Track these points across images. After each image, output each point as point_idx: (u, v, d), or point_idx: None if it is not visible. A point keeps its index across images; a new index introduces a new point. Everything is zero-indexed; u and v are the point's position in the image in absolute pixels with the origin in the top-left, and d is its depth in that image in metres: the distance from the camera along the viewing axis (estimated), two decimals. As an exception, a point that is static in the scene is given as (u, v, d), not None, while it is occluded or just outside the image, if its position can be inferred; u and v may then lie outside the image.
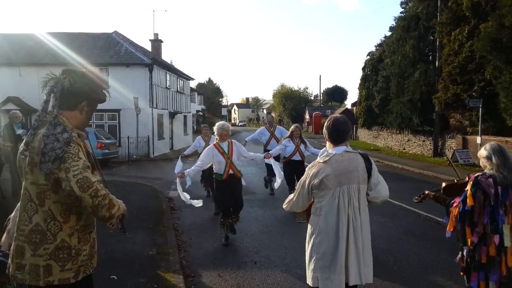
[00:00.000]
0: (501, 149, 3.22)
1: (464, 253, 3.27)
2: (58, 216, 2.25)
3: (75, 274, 2.30)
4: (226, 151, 6.22)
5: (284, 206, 3.34)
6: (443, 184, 3.64)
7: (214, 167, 6.35)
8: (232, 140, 6.49)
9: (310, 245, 3.07)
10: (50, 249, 2.24)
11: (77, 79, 2.36)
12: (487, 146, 3.29)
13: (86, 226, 2.38)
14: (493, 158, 3.17)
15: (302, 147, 8.79)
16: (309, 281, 3.07)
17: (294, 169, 8.72)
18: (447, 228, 3.30)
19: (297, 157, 8.80)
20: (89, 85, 2.41)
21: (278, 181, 7.06)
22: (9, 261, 2.34)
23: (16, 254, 2.27)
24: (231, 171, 6.23)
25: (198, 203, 6.15)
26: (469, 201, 3.12)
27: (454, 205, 3.23)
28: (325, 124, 3.17)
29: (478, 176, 3.18)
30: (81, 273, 2.33)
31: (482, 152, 3.29)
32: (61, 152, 2.17)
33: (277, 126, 10.93)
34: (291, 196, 3.26)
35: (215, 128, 6.45)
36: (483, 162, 3.29)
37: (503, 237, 3.09)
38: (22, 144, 2.33)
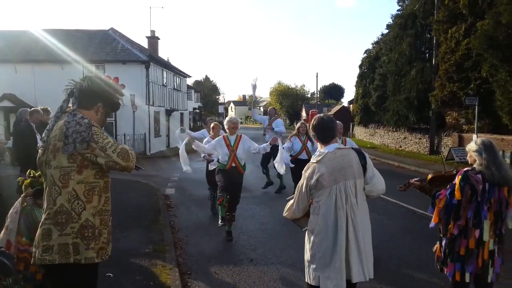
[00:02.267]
0: (491, 145, 3.26)
1: (443, 243, 3.36)
2: (82, 196, 2.42)
3: (97, 255, 2.45)
4: (232, 144, 6.43)
5: (284, 215, 3.33)
6: (430, 175, 3.68)
7: (219, 157, 6.54)
8: (242, 134, 6.69)
9: (310, 244, 3.06)
10: (76, 227, 2.39)
11: (95, 82, 2.59)
12: (478, 140, 3.34)
13: (105, 210, 2.53)
14: (483, 154, 3.21)
15: (309, 145, 8.44)
16: (309, 280, 3.05)
17: (300, 169, 8.57)
18: (432, 219, 3.37)
19: (303, 156, 8.38)
20: (105, 88, 2.62)
21: (282, 166, 6.72)
22: (33, 249, 2.45)
23: (43, 238, 2.39)
24: (233, 164, 6.42)
25: (188, 170, 6.64)
26: (457, 195, 3.17)
27: (440, 197, 3.28)
28: (311, 125, 3.20)
29: (467, 171, 3.22)
30: (99, 256, 2.47)
31: (472, 146, 3.34)
32: (87, 135, 2.38)
33: (277, 119, 10.95)
34: (290, 202, 3.26)
35: (224, 122, 6.74)
36: (472, 156, 3.34)
37: (482, 232, 3.18)
38: (40, 143, 2.52)
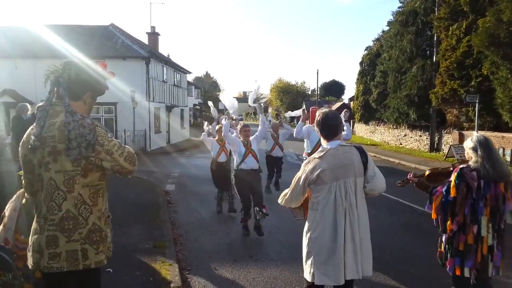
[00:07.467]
0: (487, 142, 3.29)
1: (443, 239, 3.42)
2: (88, 200, 2.32)
3: (105, 256, 2.41)
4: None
5: (279, 201, 3.36)
6: (427, 171, 3.72)
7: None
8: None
9: (307, 240, 3.06)
10: (84, 233, 2.30)
11: (81, 71, 2.43)
12: (474, 137, 3.37)
13: (106, 209, 2.47)
14: (478, 150, 3.24)
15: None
16: (307, 276, 3.06)
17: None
18: (432, 215, 3.43)
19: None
20: (93, 76, 2.47)
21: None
22: (29, 254, 2.34)
23: (49, 245, 2.28)
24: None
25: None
26: (452, 192, 3.22)
27: (437, 194, 3.34)
28: (315, 120, 3.19)
29: (462, 168, 3.25)
30: (107, 256, 2.44)
31: (469, 143, 3.37)
32: (92, 138, 2.25)
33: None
34: (286, 191, 3.27)
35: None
36: (468, 153, 3.37)
37: (480, 227, 3.22)
38: (31, 136, 2.31)
